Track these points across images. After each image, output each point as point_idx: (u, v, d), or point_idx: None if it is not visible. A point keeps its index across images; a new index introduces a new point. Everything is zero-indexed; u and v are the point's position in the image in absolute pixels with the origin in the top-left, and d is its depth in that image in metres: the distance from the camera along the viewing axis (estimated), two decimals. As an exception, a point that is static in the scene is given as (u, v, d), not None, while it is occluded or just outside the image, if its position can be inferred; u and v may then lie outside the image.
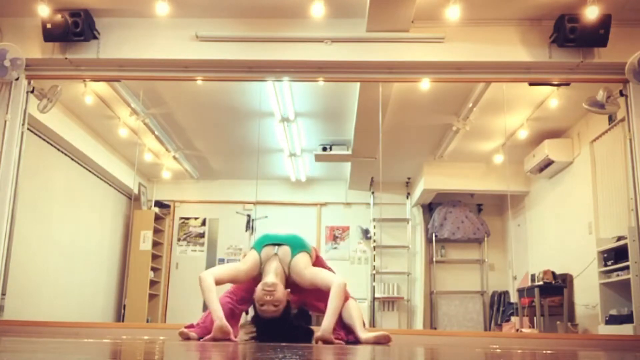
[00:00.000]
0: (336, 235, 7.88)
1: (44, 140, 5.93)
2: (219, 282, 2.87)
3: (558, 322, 5.80)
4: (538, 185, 7.01)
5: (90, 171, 6.86)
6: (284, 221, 7.56)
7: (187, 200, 7.98)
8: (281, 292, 2.79)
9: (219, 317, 2.71)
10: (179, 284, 7.62)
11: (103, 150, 6.89)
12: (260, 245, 3.05)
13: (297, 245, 3.04)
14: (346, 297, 3.02)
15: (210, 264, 7.42)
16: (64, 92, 5.20)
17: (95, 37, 4.86)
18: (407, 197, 7.84)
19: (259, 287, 2.80)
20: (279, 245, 3.02)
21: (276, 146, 7.03)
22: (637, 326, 4.59)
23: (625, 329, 4.73)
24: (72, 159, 6.50)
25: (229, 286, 3.13)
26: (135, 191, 7.37)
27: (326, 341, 2.66)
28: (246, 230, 7.44)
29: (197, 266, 7.50)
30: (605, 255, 5.34)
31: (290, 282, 2.95)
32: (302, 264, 2.95)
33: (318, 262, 3.21)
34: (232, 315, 2.99)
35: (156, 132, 6.69)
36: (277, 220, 7.31)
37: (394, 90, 5.52)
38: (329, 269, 3.29)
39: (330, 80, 5.23)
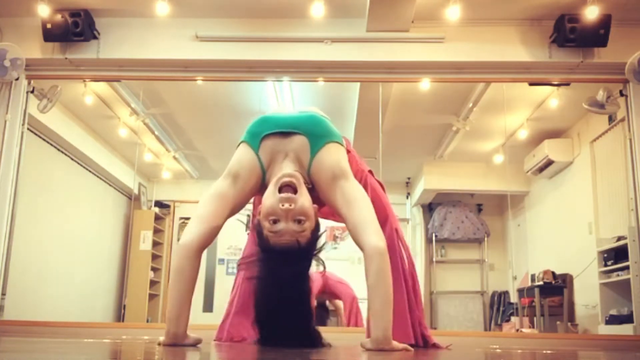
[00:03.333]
0: (336, 235, 7.88)
1: (44, 140, 5.93)
2: (209, 241, 1.82)
3: (558, 322, 5.80)
4: (538, 185, 7.01)
5: (90, 171, 6.85)
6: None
7: (187, 200, 7.96)
8: (307, 200, 1.70)
9: (174, 321, 1.78)
10: (179, 284, 7.59)
11: (103, 150, 6.89)
12: (255, 137, 1.86)
13: (319, 132, 1.85)
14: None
15: (210, 264, 7.41)
16: (64, 92, 5.20)
17: (95, 37, 4.86)
18: (407, 197, 7.84)
19: (269, 189, 1.73)
20: (287, 134, 1.85)
21: (276, 146, 7.03)
22: (637, 326, 4.59)
23: (625, 329, 4.73)
24: (72, 159, 6.50)
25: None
26: (135, 191, 7.37)
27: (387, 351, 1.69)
28: (246, 230, 7.43)
29: (197, 266, 7.48)
30: (605, 255, 5.34)
31: (313, 196, 1.80)
32: (328, 163, 1.79)
33: (351, 159, 2.01)
34: None
35: (156, 132, 6.69)
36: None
37: (394, 90, 5.52)
38: (368, 182, 2.10)
39: (330, 80, 5.23)
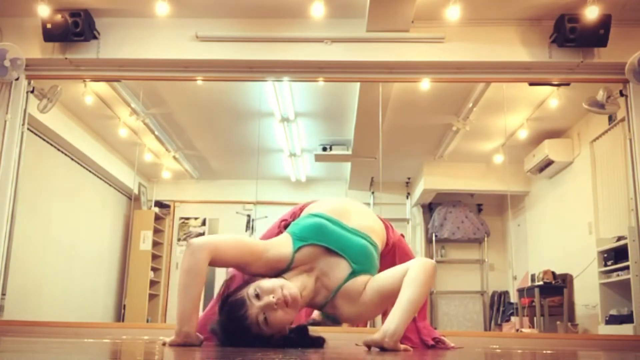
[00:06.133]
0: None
1: (44, 140, 5.93)
2: (218, 263, 1.84)
3: (558, 322, 5.80)
4: (538, 185, 7.01)
5: (90, 171, 6.85)
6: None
7: (187, 200, 7.97)
8: (288, 318, 1.75)
9: (187, 321, 1.80)
10: (179, 284, 7.59)
11: (103, 150, 6.89)
12: (302, 240, 1.86)
13: (365, 267, 1.86)
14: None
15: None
16: (64, 92, 5.20)
17: (95, 37, 4.86)
18: (407, 197, 7.84)
19: (265, 283, 1.75)
20: (331, 252, 1.86)
21: (276, 146, 7.03)
22: (637, 326, 4.59)
23: (625, 329, 4.73)
24: (72, 159, 6.50)
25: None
26: (135, 191, 7.37)
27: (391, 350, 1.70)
28: (246, 230, 7.44)
29: (197, 266, 7.48)
30: (605, 255, 5.34)
31: (318, 306, 1.90)
32: (357, 290, 1.82)
33: (387, 230, 2.14)
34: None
35: (156, 132, 6.69)
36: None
37: (394, 90, 5.52)
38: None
39: (330, 80, 5.23)
